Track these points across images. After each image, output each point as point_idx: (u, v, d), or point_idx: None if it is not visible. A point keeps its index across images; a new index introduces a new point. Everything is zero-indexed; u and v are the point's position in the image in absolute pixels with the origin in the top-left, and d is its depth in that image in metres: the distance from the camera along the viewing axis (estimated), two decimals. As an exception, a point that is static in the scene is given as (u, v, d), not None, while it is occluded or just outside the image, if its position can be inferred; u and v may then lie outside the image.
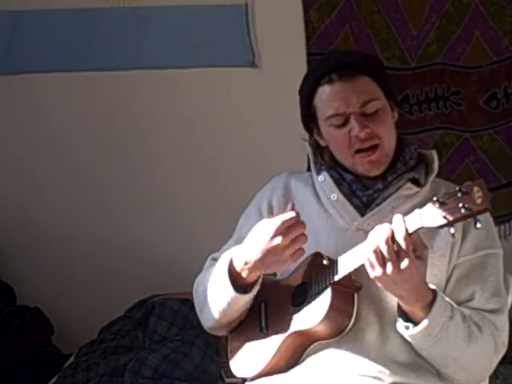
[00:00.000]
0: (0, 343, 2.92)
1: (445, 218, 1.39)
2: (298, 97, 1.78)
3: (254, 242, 1.60)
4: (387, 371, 1.58)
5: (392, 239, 1.45)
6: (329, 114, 1.67)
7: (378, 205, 1.67)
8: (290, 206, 1.60)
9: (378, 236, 1.46)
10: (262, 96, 3.14)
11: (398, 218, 1.47)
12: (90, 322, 3.00)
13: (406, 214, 1.62)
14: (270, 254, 1.57)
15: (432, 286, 1.55)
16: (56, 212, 3.27)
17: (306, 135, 1.82)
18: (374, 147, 1.66)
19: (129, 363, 2.65)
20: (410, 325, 1.54)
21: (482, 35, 3.06)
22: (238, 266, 1.63)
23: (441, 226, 1.41)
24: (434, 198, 1.42)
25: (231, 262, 1.64)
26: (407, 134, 2.96)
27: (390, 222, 1.51)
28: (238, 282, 1.64)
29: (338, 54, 1.91)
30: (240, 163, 3.17)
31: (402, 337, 1.59)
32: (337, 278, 1.56)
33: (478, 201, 1.36)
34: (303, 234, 1.56)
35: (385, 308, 1.61)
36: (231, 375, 1.73)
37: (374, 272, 1.47)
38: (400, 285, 1.47)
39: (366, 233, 1.63)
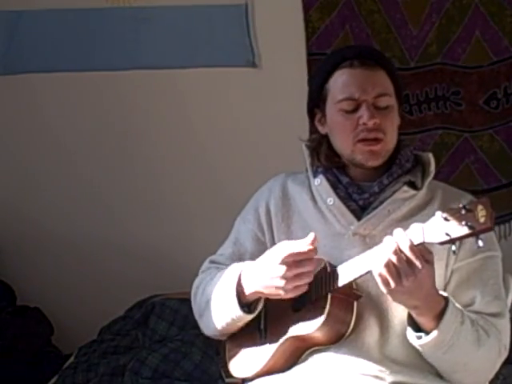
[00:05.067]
0: (0, 343, 2.92)
1: (447, 234, 1.38)
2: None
3: (262, 265, 1.60)
4: (388, 370, 1.57)
5: (399, 250, 1.44)
6: (342, 97, 1.66)
7: (375, 208, 1.66)
8: (312, 236, 1.56)
9: (385, 250, 1.45)
10: (262, 96, 3.13)
11: (399, 231, 1.46)
12: (90, 322, 3.00)
13: (402, 217, 1.64)
14: (271, 281, 1.56)
15: (443, 293, 1.54)
16: (56, 212, 3.27)
17: (305, 135, 1.82)
18: (378, 140, 1.66)
19: (129, 363, 2.65)
20: (422, 334, 1.53)
21: (482, 35, 3.06)
22: (246, 288, 1.63)
23: (442, 243, 1.41)
24: (438, 214, 1.41)
25: (239, 280, 1.64)
26: (407, 134, 2.97)
27: (387, 226, 1.53)
28: (242, 299, 1.64)
29: (359, 45, 1.90)
30: (240, 163, 3.17)
31: (402, 338, 1.59)
32: (336, 286, 1.55)
33: (482, 220, 1.34)
34: (310, 272, 1.54)
35: (385, 310, 1.61)
36: (231, 375, 1.74)
37: (389, 286, 1.45)
38: (414, 293, 1.46)
39: (363, 237, 1.65)
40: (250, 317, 1.65)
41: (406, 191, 1.68)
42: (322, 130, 1.75)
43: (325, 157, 1.74)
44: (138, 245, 3.25)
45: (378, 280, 1.46)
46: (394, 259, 1.43)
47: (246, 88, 3.14)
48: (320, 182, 1.73)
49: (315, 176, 1.75)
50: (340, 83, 1.67)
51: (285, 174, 1.84)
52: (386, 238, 1.46)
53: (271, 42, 3.09)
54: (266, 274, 1.57)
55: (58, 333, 3.15)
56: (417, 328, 1.54)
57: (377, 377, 1.57)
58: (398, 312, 1.60)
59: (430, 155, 1.73)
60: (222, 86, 3.15)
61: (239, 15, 3.09)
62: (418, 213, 1.66)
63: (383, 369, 1.57)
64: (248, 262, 1.68)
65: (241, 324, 1.68)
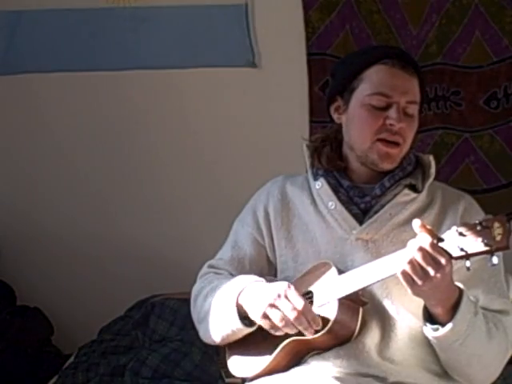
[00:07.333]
0: (0, 343, 2.92)
1: (462, 250, 1.38)
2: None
3: (260, 299, 1.57)
4: (389, 371, 1.58)
5: (423, 248, 1.42)
6: (377, 91, 1.65)
7: (376, 212, 1.66)
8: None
9: (410, 248, 1.43)
10: (262, 96, 3.13)
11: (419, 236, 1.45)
12: (90, 322, 3.00)
13: (404, 221, 1.64)
14: (271, 314, 1.55)
15: (458, 284, 1.52)
16: (56, 212, 3.27)
17: (305, 135, 1.81)
18: (397, 144, 1.66)
19: (129, 363, 2.65)
20: (438, 326, 1.52)
21: (482, 35, 3.05)
22: (244, 306, 1.62)
23: (457, 258, 1.40)
24: (453, 228, 1.40)
25: (238, 297, 1.62)
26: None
27: (389, 230, 1.54)
28: (242, 312, 1.63)
29: (401, 48, 1.90)
30: (239, 163, 3.17)
31: (403, 340, 1.60)
32: (346, 292, 1.54)
33: (498, 238, 1.34)
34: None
35: (388, 316, 1.61)
36: (231, 375, 1.73)
37: (414, 283, 1.42)
38: (439, 286, 1.44)
39: (366, 242, 1.64)
40: (249, 330, 1.63)
41: (407, 194, 1.68)
42: (337, 118, 1.74)
43: (326, 159, 1.73)
44: (137, 245, 3.25)
45: (403, 278, 1.43)
46: (419, 255, 1.41)
47: (246, 88, 3.14)
48: (321, 186, 1.72)
49: (316, 179, 1.73)
50: (376, 78, 1.66)
51: (283, 176, 1.83)
52: (410, 241, 1.45)
53: (271, 42, 3.09)
54: (265, 312, 1.56)
55: (57, 333, 3.15)
56: (432, 322, 1.53)
57: (377, 377, 1.57)
58: (403, 316, 1.61)
59: (431, 157, 1.73)
60: (222, 86, 3.15)
61: (239, 15, 3.09)
62: (419, 216, 1.65)
63: (384, 370, 1.57)
64: (252, 282, 1.65)
65: (240, 335, 1.66)
